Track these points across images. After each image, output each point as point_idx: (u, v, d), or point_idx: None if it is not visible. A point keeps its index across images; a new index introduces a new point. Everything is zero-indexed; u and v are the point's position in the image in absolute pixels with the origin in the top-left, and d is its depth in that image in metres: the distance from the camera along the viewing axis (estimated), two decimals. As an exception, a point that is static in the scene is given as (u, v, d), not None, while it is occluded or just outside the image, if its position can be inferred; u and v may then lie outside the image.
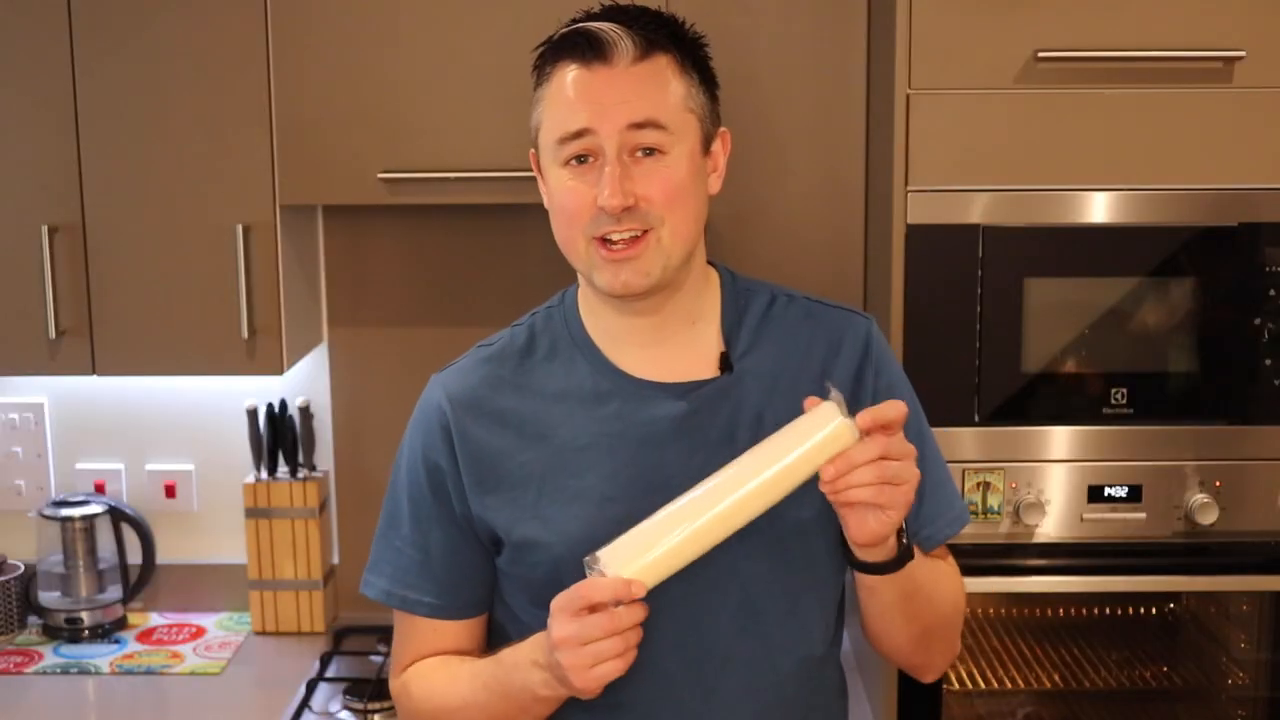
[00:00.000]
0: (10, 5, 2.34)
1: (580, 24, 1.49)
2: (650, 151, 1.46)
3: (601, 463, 1.51)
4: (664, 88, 1.47)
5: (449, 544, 1.58)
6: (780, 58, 2.35)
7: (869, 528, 1.40)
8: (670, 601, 1.47)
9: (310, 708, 2.42)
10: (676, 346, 1.55)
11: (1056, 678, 2.47)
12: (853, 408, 1.51)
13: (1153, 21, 2.11)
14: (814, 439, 1.37)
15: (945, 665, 1.66)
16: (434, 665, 1.61)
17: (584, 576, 1.42)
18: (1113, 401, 2.17)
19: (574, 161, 1.46)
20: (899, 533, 1.45)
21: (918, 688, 2.22)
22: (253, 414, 2.67)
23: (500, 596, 1.60)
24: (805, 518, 1.50)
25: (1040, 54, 2.09)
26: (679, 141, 1.47)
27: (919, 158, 2.12)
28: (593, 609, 1.37)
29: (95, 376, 2.45)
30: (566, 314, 1.59)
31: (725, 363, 1.54)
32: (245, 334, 2.38)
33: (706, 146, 1.53)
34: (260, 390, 2.71)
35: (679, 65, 1.49)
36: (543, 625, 1.49)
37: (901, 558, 1.45)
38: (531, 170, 1.57)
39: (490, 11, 2.30)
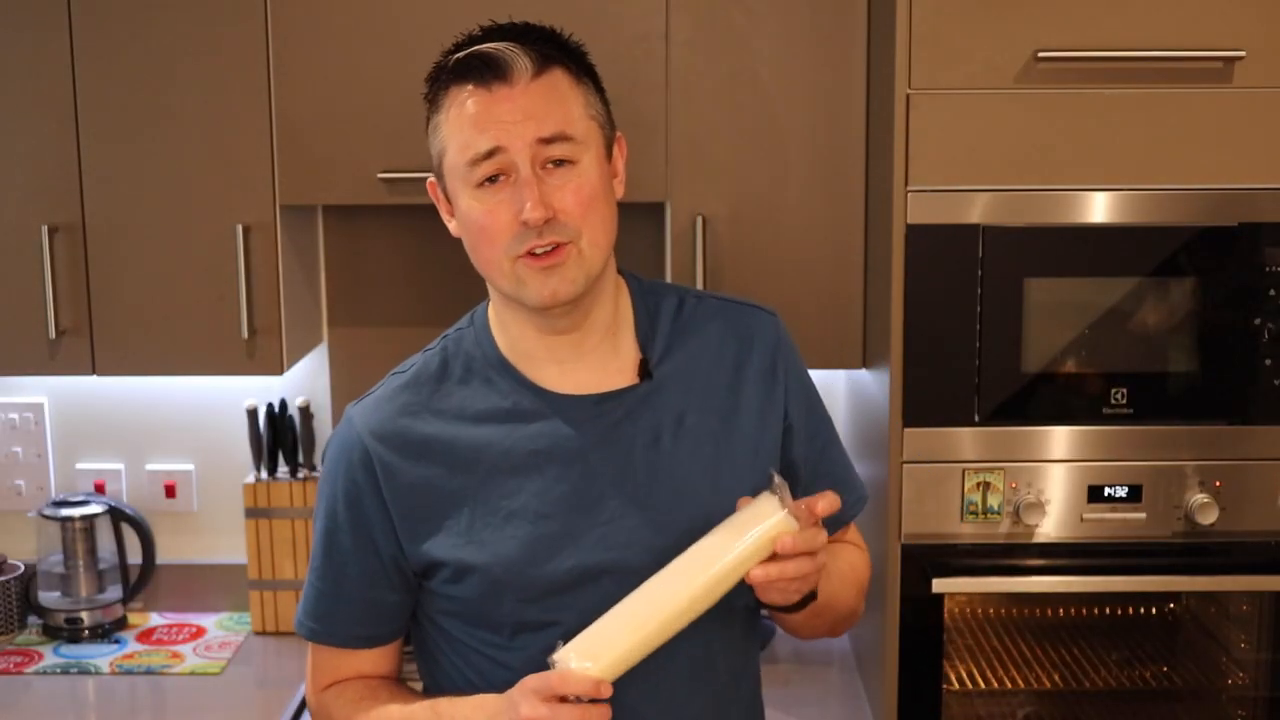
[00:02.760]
0: (10, 5, 2.34)
1: (471, 48, 1.49)
2: (560, 163, 1.46)
3: (532, 481, 1.51)
4: (565, 99, 1.48)
5: (364, 580, 1.57)
6: (780, 58, 2.35)
7: (774, 601, 1.47)
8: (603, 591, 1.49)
9: (310, 708, 2.42)
10: (595, 360, 1.56)
11: (1056, 678, 2.47)
12: (768, 400, 1.57)
13: (1153, 21, 2.11)
14: (757, 531, 1.41)
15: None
16: (359, 695, 1.60)
17: (520, 594, 1.48)
18: (1113, 401, 2.17)
19: (486, 183, 1.46)
20: None
21: (918, 688, 2.22)
22: (253, 414, 2.67)
23: (430, 617, 1.60)
24: None
25: (1040, 54, 2.09)
26: (586, 150, 1.48)
27: (919, 158, 2.12)
28: (563, 699, 1.38)
29: (95, 376, 2.45)
30: (478, 335, 1.59)
31: (644, 370, 1.55)
32: (245, 334, 2.39)
33: (609, 152, 1.54)
34: (260, 390, 2.72)
35: (573, 76, 1.50)
36: (478, 644, 1.53)
37: (805, 603, 1.49)
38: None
39: (490, 12, 2.29)
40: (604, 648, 1.40)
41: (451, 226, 1.55)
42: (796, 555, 1.40)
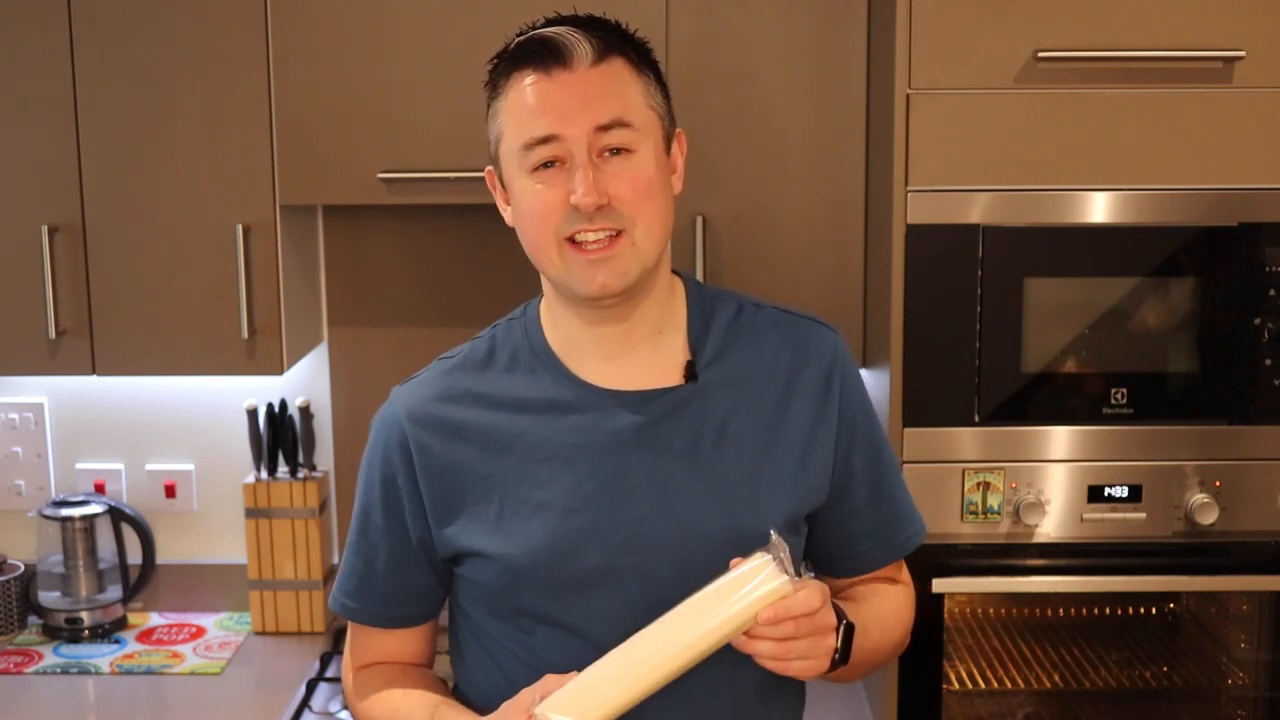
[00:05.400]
0: (10, 5, 2.34)
1: (533, 32, 1.48)
2: (618, 151, 1.45)
3: (564, 473, 1.50)
4: (625, 87, 1.46)
5: (394, 561, 1.58)
6: (780, 58, 2.35)
7: (788, 674, 1.43)
8: (630, 610, 1.47)
9: (310, 708, 2.42)
10: (641, 357, 1.54)
11: (1056, 678, 2.47)
12: (819, 418, 1.53)
13: (1153, 21, 2.11)
14: (747, 596, 1.38)
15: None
16: (378, 684, 1.61)
17: (542, 587, 1.47)
18: (1113, 401, 2.17)
19: (541, 168, 1.45)
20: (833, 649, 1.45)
21: (918, 688, 2.22)
22: (253, 414, 2.67)
23: (458, 602, 1.60)
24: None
25: (1040, 54, 2.09)
26: (645, 139, 1.47)
27: (919, 158, 2.12)
28: None
29: (95, 376, 2.45)
30: (528, 325, 1.58)
31: (690, 371, 1.53)
32: (245, 334, 2.39)
33: (668, 146, 1.52)
34: (260, 390, 2.71)
35: (634, 66, 1.48)
36: (501, 635, 1.52)
37: (833, 668, 1.46)
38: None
39: (489, 12, 2.30)
40: (585, 706, 1.38)
41: (506, 215, 1.54)
42: (782, 623, 1.37)
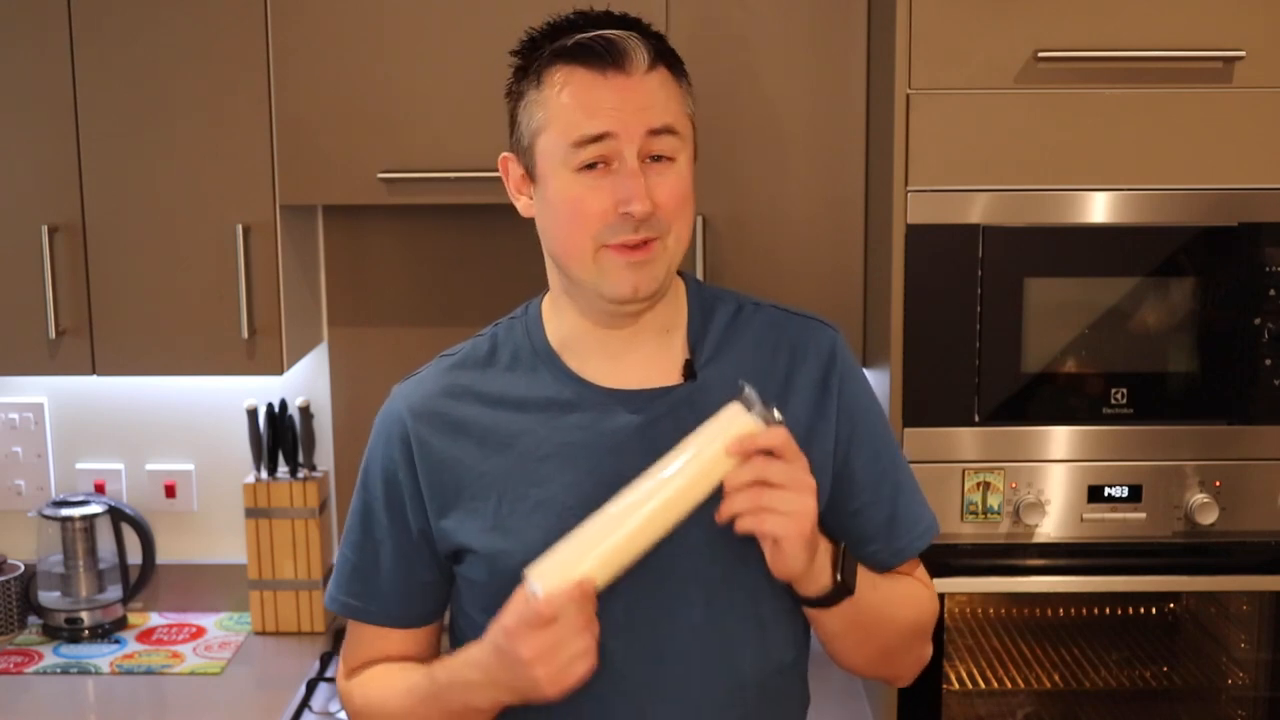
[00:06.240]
0: (10, 5, 2.34)
1: (593, 32, 1.47)
2: (658, 158, 1.46)
3: (563, 472, 1.50)
4: (673, 95, 1.48)
5: (399, 557, 1.57)
6: (780, 58, 2.35)
7: (775, 562, 1.40)
8: (632, 602, 1.47)
9: (310, 708, 2.42)
10: (644, 356, 1.54)
11: (1056, 678, 2.47)
12: (818, 417, 1.53)
13: (1153, 21, 2.11)
14: (718, 438, 1.37)
15: (915, 673, 1.66)
16: (376, 674, 1.60)
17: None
18: (1113, 401, 2.17)
19: (587, 168, 1.45)
20: (834, 568, 1.44)
21: (918, 688, 2.21)
22: (253, 414, 2.67)
23: (458, 603, 1.59)
24: None
25: (1040, 54, 2.09)
26: (684, 148, 1.48)
27: (919, 158, 2.12)
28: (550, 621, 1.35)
29: (95, 376, 2.45)
30: (529, 325, 1.58)
31: (689, 370, 1.53)
32: (245, 334, 2.39)
33: (695, 154, 1.53)
34: (260, 390, 2.71)
35: (675, 76, 1.50)
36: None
37: (837, 594, 1.45)
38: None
39: (490, 12, 2.30)
40: (574, 562, 1.36)
41: (520, 205, 1.53)
42: (752, 459, 1.35)
